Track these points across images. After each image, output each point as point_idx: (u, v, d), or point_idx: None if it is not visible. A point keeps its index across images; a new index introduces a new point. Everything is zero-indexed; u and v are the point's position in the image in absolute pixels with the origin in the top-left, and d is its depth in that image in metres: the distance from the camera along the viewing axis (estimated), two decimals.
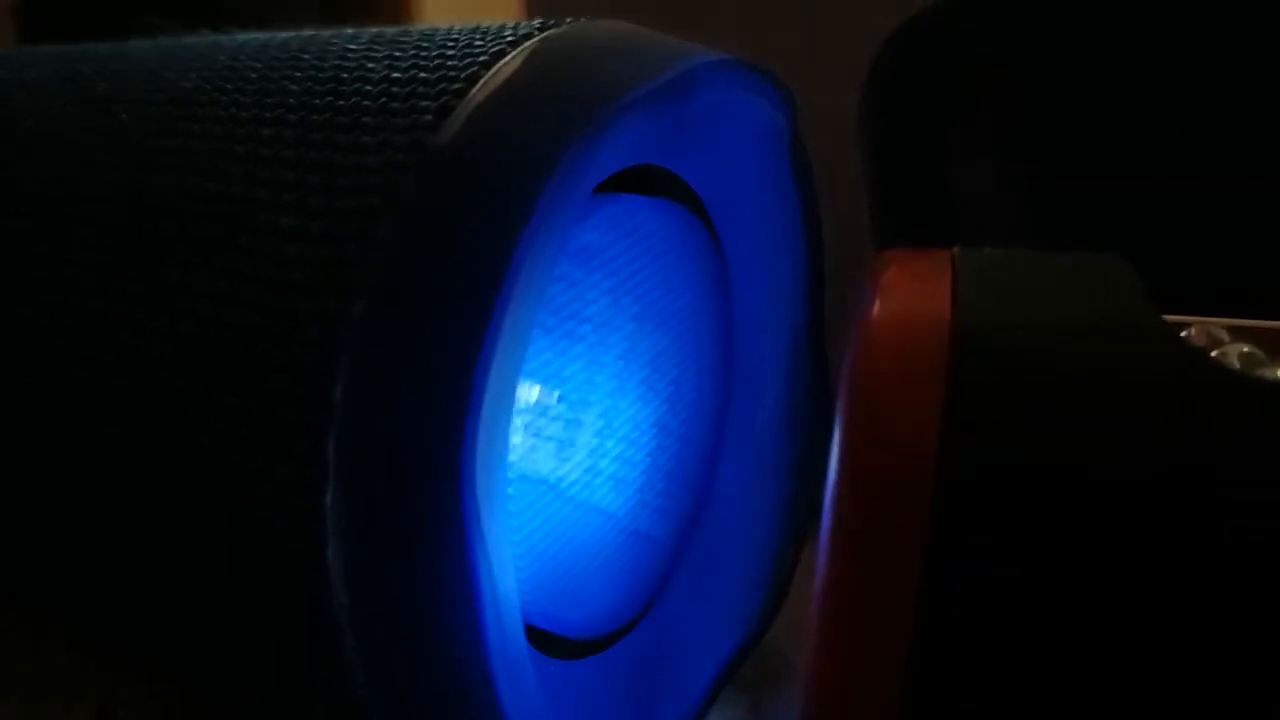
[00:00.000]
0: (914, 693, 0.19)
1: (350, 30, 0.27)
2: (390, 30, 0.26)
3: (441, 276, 0.21)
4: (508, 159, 0.22)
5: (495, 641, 0.22)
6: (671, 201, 0.29)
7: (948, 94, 0.40)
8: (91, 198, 0.25)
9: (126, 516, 0.25)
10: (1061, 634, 0.19)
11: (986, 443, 0.19)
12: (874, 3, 0.40)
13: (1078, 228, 0.37)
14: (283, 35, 0.27)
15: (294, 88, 0.25)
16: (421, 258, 0.22)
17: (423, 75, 0.24)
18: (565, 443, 0.29)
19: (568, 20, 0.25)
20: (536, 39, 0.24)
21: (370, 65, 0.24)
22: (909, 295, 0.21)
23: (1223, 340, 0.22)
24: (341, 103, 0.24)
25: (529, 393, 0.28)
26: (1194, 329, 0.22)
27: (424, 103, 0.23)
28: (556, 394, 0.29)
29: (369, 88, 0.24)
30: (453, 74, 0.23)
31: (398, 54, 0.25)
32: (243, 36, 0.28)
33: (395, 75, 0.24)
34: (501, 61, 0.23)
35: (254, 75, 0.25)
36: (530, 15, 0.41)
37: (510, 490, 0.24)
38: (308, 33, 0.27)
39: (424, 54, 0.24)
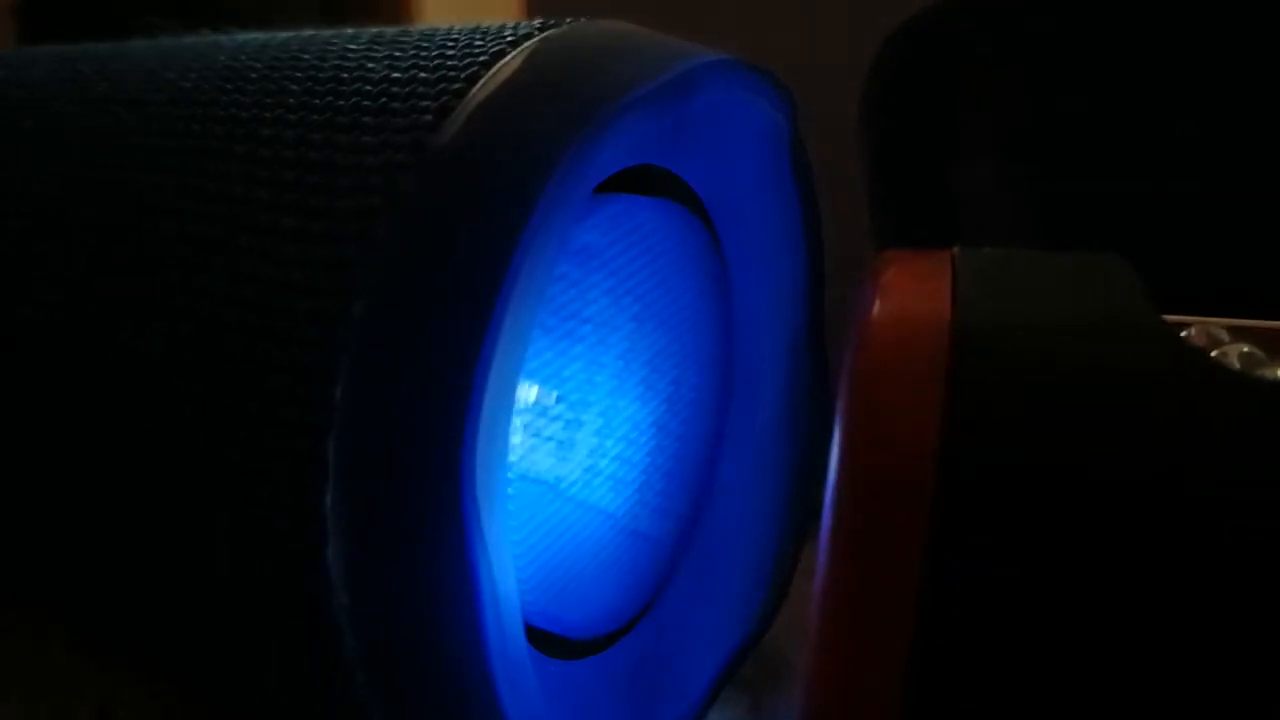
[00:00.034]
0: (914, 693, 0.19)
1: (350, 30, 0.27)
2: (390, 30, 0.26)
3: (441, 276, 0.21)
4: (508, 159, 0.22)
5: (495, 641, 0.22)
6: (671, 201, 0.29)
7: (948, 94, 0.40)
8: (91, 198, 0.25)
9: (127, 516, 0.25)
10: (1061, 634, 0.19)
11: (986, 443, 0.19)
12: (874, 3, 0.40)
13: (1078, 228, 0.37)
14: (283, 35, 0.27)
15: (294, 88, 0.25)
16: (421, 258, 0.22)
17: (423, 75, 0.24)
18: (565, 443, 0.29)
19: (568, 20, 0.25)
20: (536, 39, 0.24)
21: (370, 65, 0.24)
22: (909, 295, 0.21)
23: (1223, 340, 0.22)
24: (341, 103, 0.24)
25: (529, 393, 0.28)
26: (1194, 329, 0.22)
27: (424, 103, 0.23)
28: (556, 394, 0.29)
29: (369, 88, 0.24)
30: (453, 74, 0.23)
31: (398, 54, 0.25)
32: (243, 36, 0.28)
33: (395, 75, 0.24)
34: (501, 61, 0.23)
35: (254, 75, 0.25)
36: (530, 15, 0.41)
37: (510, 490, 0.24)
38: (308, 33, 0.27)
39: (424, 54, 0.24)
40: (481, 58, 0.24)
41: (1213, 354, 0.21)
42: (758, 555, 0.31)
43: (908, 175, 0.42)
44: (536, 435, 0.29)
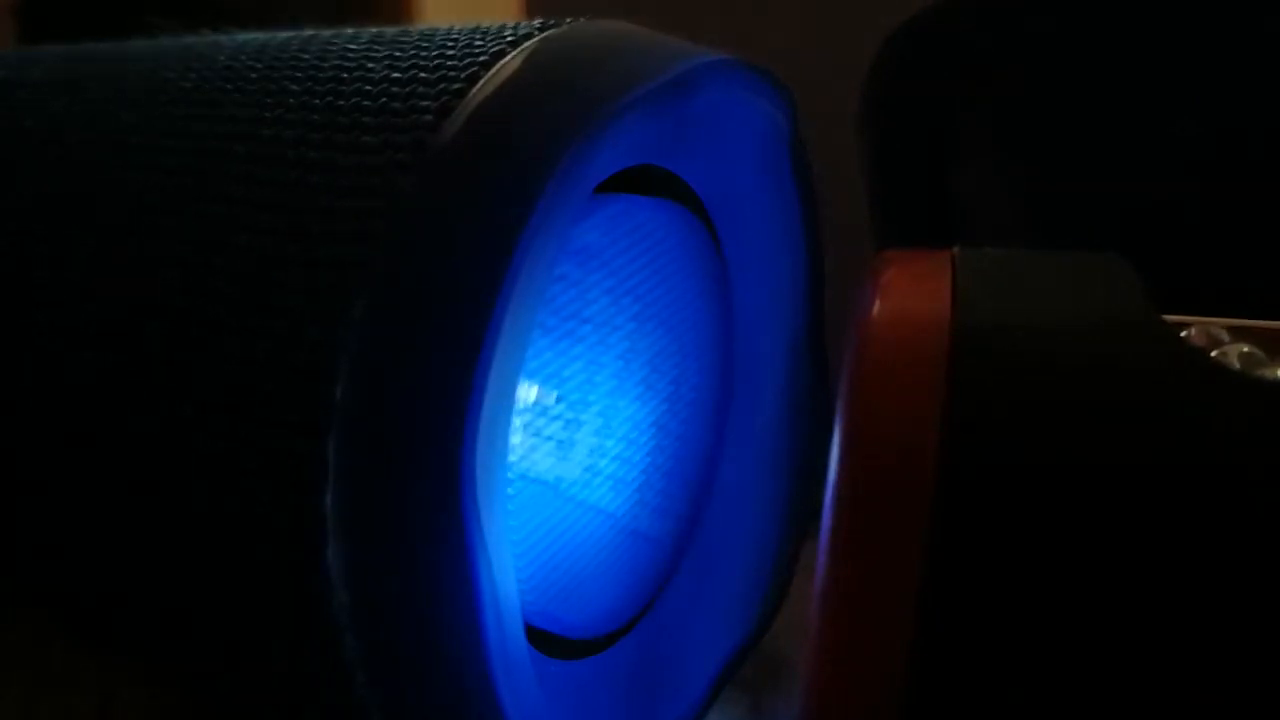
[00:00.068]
0: (914, 693, 0.19)
1: (350, 30, 0.27)
2: (390, 30, 0.26)
3: (441, 276, 0.21)
4: (508, 159, 0.22)
5: (495, 641, 0.22)
6: (671, 201, 0.29)
7: (948, 94, 0.40)
8: (92, 197, 0.25)
9: (127, 516, 0.25)
10: (1061, 634, 0.19)
11: (986, 443, 0.19)
12: (874, 3, 0.40)
13: (1078, 228, 0.37)
14: (283, 35, 0.27)
15: (294, 88, 0.25)
16: (421, 258, 0.22)
17: (423, 75, 0.24)
18: (565, 443, 0.29)
19: (568, 20, 0.25)
20: (536, 39, 0.24)
21: (370, 65, 0.24)
22: (909, 295, 0.21)
23: (1223, 340, 0.22)
24: (341, 103, 0.24)
25: (529, 393, 0.28)
26: (1194, 329, 0.22)
27: (424, 103, 0.23)
28: (556, 394, 0.29)
29: (369, 88, 0.24)
30: (453, 74, 0.23)
31: (398, 54, 0.25)
32: (243, 36, 0.28)
33: (395, 75, 0.24)
34: (501, 61, 0.23)
35: (254, 75, 0.25)
36: (530, 15, 0.41)
37: (510, 490, 0.24)
38: (308, 33, 0.27)
39: (424, 54, 0.24)
40: (481, 58, 0.24)
41: (1213, 354, 0.21)
42: (758, 555, 0.31)
43: (908, 175, 0.42)
44: (536, 435, 0.29)
